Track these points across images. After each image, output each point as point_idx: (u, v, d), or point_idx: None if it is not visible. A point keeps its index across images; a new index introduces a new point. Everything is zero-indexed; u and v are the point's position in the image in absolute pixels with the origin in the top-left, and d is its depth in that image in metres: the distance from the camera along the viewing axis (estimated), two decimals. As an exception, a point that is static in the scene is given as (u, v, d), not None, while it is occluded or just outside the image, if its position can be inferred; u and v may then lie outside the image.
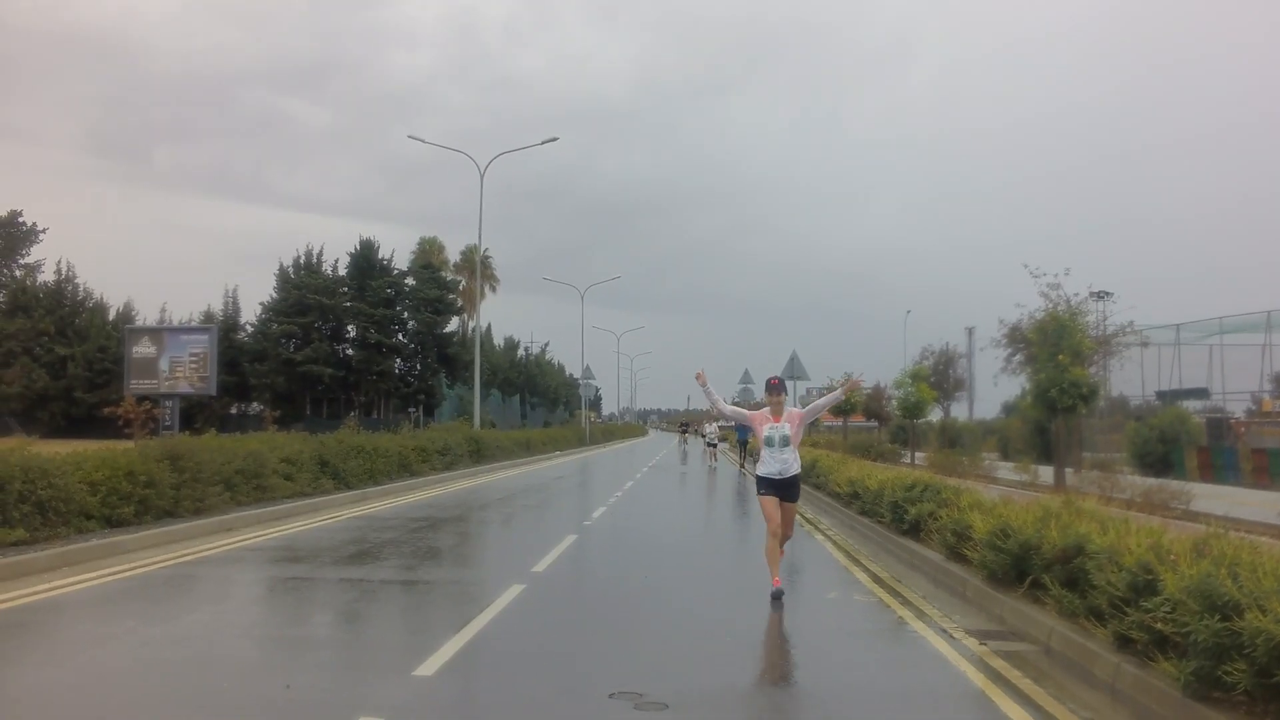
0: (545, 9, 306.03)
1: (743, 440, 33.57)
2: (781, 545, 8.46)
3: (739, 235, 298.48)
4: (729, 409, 9.35)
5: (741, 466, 32.07)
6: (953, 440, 34.73)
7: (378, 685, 5.44)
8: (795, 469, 8.44)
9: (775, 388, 8.56)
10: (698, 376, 8.88)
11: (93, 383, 48.94)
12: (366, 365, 52.30)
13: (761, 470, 8.47)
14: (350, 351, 53.61)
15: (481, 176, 36.43)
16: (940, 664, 6.21)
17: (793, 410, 8.61)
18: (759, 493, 8.49)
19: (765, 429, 8.44)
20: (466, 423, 37.41)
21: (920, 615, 7.71)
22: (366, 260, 54.05)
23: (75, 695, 5.24)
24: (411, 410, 54.49)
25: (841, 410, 40.30)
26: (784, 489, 8.38)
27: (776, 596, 8.00)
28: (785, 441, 8.34)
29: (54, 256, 76.55)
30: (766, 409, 8.62)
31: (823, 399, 9.42)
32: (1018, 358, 18.86)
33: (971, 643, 6.70)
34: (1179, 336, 33.16)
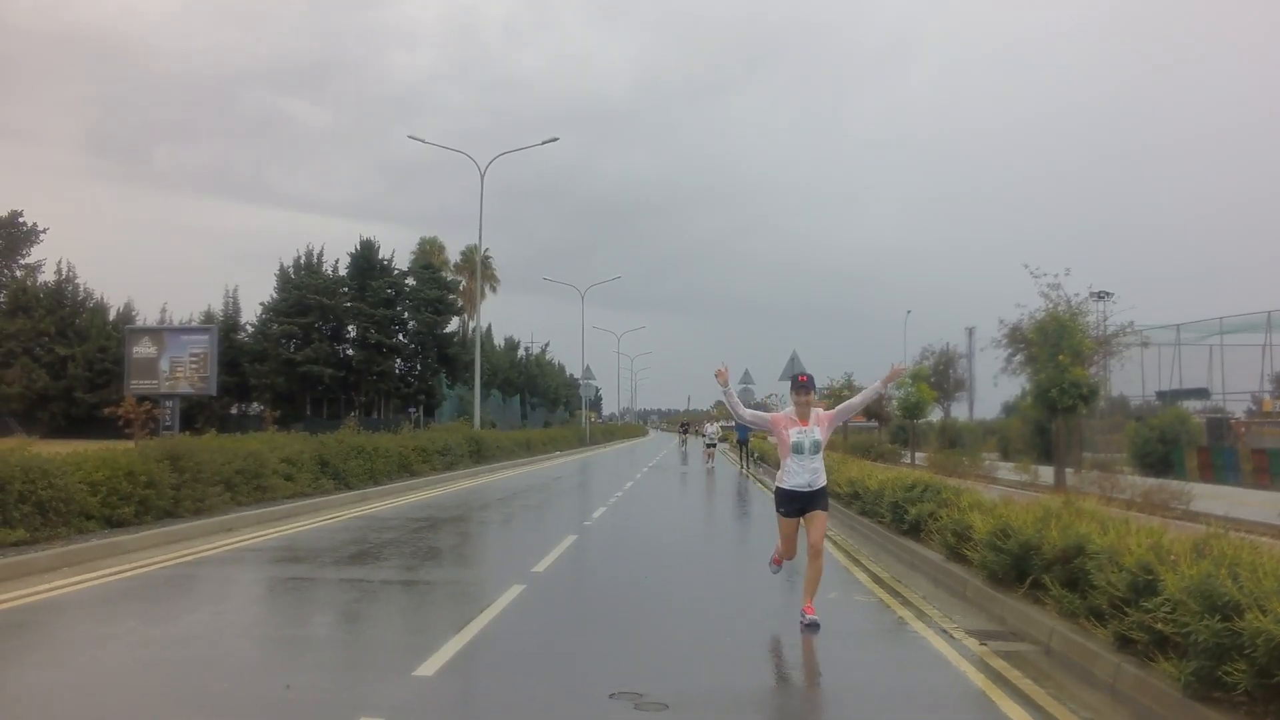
0: (545, 9, 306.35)
1: (743, 440, 33.27)
2: (814, 561, 7.31)
3: (739, 235, 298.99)
4: (749, 413, 8.01)
5: (742, 467, 31.94)
6: (953, 440, 34.76)
7: (378, 685, 5.44)
8: (823, 479, 7.38)
9: (803, 386, 7.44)
10: (718, 374, 7.56)
11: (93, 383, 48.97)
12: (367, 365, 52.31)
13: (787, 482, 7.32)
14: (350, 352, 53.64)
15: (482, 177, 36.51)
16: (941, 664, 6.21)
17: (820, 411, 7.50)
18: (779, 512, 7.47)
19: (792, 434, 7.29)
20: (467, 423, 37.41)
21: (920, 615, 7.71)
22: (367, 260, 54.06)
23: (76, 695, 5.25)
24: (412, 410, 54.51)
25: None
26: (811, 502, 7.32)
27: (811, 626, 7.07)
28: (816, 448, 7.28)
29: (54, 256, 76.87)
30: (789, 410, 7.57)
31: (857, 396, 8.16)
32: (1018, 358, 18.92)
33: (972, 643, 6.70)
34: (1179, 336, 33.16)
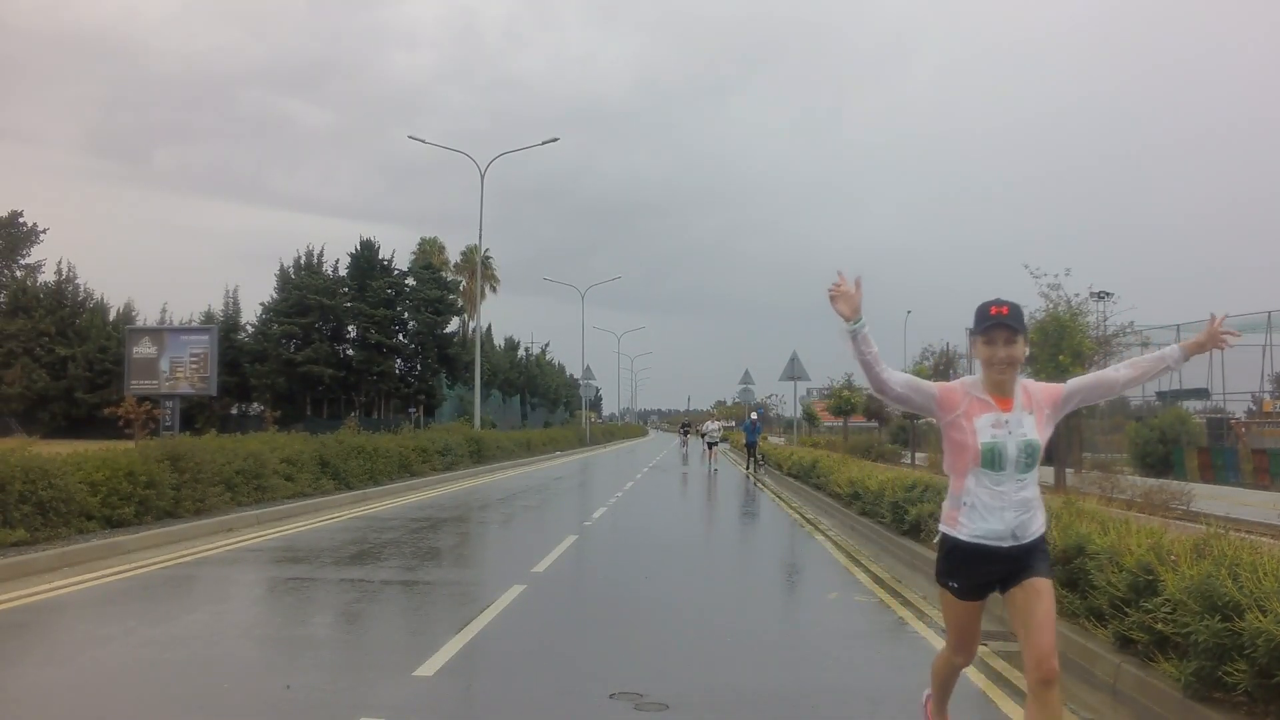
0: (545, 9, 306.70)
1: (751, 443, 31.35)
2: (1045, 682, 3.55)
3: (739, 235, 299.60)
4: (899, 380, 3.81)
5: (747, 470, 30.90)
6: (953, 440, 34.63)
7: (378, 685, 5.44)
8: (1040, 521, 3.72)
9: (1003, 322, 3.60)
10: (839, 292, 3.80)
11: (93, 383, 48.96)
12: (367, 365, 52.30)
13: (966, 528, 3.69)
14: (350, 352, 53.62)
15: (482, 177, 36.51)
16: (941, 664, 6.20)
17: (1037, 387, 3.75)
18: (947, 585, 3.83)
19: (979, 425, 3.63)
20: (467, 423, 37.44)
21: (920, 615, 7.71)
22: (367, 261, 54.05)
23: (76, 695, 5.25)
24: (412, 411, 54.51)
25: (841, 410, 39.70)
26: (1020, 566, 3.65)
27: None
28: (1031, 456, 3.63)
29: (54, 257, 77.03)
30: (972, 379, 3.78)
31: (1124, 366, 3.94)
32: (1018, 358, 18.91)
33: (972, 643, 6.69)
34: (1179, 337, 33.04)
